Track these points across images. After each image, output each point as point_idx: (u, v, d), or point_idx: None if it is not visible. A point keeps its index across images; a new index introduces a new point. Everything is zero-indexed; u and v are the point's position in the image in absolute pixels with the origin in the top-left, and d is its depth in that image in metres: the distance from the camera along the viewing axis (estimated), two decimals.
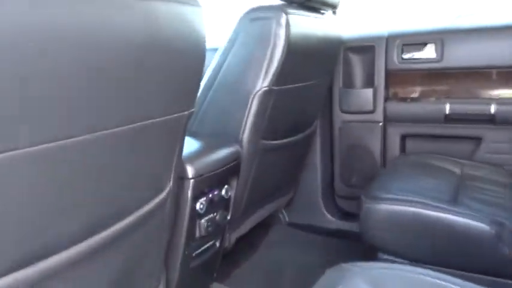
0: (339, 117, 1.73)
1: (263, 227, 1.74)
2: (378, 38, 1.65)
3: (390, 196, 1.13)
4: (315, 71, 1.43)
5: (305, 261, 1.58)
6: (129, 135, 0.67)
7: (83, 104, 0.56)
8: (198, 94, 1.21)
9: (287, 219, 1.84)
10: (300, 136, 1.49)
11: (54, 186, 0.57)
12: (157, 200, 0.84)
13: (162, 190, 0.87)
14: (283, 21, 1.15)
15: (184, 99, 0.83)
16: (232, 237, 1.34)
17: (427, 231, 1.08)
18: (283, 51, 1.16)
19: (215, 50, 1.27)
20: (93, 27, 0.54)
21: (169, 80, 0.74)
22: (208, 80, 1.24)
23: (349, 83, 1.71)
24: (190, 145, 1.10)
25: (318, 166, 1.75)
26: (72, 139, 0.56)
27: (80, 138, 0.57)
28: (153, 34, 0.64)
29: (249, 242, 1.64)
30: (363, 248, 1.20)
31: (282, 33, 1.15)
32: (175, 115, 0.81)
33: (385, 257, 1.14)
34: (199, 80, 0.86)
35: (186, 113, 0.85)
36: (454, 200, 1.12)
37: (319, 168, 1.76)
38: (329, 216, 1.78)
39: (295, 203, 1.80)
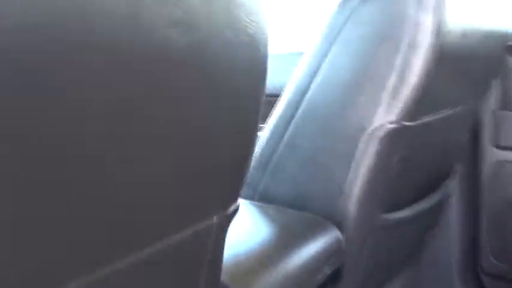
0: (492, 155, 1.13)
1: None
2: None
3: None
4: (467, 89, 0.86)
5: None
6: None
7: None
8: (267, 135, 0.71)
9: None
10: (433, 197, 0.92)
11: None
12: None
13: None
14: None
15: (219, 190, 0.34)
16: None
17: None
18: (426, 56, 0.61)
19: (299, 55, 0.75)
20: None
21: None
22: (285, 109, 0.71)
23: (509, 104, 1.11)
24: (244, 232, 0.59)
25: (453, 229, 1.17)
26: None
27: None
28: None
29: None
30: None
31: (427, 21, 0.60)
32: (199, 225, 0.34)
33: None
34: (255, 135, 0.36)
35: (214, 219, 0.35)
36: None
37: (455, 232, 1.17)
38: None
39: (417, 279, 1.23)
